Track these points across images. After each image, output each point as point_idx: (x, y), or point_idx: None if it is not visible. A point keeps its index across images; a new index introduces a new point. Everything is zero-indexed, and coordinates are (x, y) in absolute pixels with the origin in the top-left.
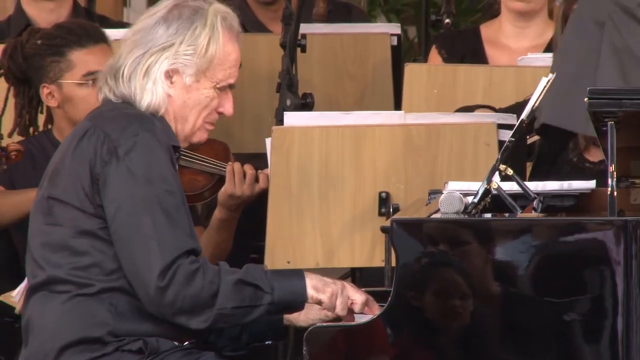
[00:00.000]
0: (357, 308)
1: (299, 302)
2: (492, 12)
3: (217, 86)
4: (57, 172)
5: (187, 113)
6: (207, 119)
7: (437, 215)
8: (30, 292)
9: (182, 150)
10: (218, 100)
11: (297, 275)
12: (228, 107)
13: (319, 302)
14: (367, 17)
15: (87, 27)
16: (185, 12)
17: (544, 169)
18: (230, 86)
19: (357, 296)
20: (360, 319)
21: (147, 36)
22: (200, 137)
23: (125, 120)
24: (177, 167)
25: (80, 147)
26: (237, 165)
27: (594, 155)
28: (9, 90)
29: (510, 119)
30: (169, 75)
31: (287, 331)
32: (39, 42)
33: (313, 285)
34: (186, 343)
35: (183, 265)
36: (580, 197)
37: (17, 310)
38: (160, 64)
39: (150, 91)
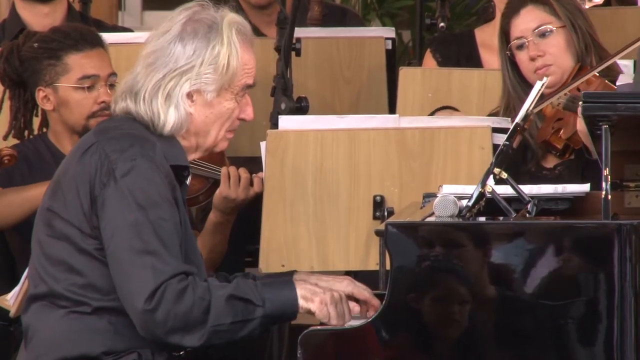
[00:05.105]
0: (374, 304)
1: (290, 312)
2: (487, 16)
3: (237, 94)
4: (59, 185)
5: (210, 127)
6: (229, 128)
7: (432, 219)
8: (31, 300)
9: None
10: (238, 109)
11: (288, 285)
12: (249, 112)
13: (310, 312)
14: (362, 21)
15: (84, 31)
16: (200, 29)
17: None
18: (250, 86)
19: (366, 293)
20: (353, 323)
21: (163, 57)
22: (222, 147)
23: (127, 142)
24: (181, 187)
25: (83, 162)
26: (232, 168)
27: (550, 162)
28: (4, 93)
29: (505, 122)
30: (191, 95)
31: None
32: (35, 45)
33: (302, 295)
34: (182, 352)
35: (171, 284)
36: (575, 201)
37: (11, 314)
38: (182, 87)
39: (174, 115)
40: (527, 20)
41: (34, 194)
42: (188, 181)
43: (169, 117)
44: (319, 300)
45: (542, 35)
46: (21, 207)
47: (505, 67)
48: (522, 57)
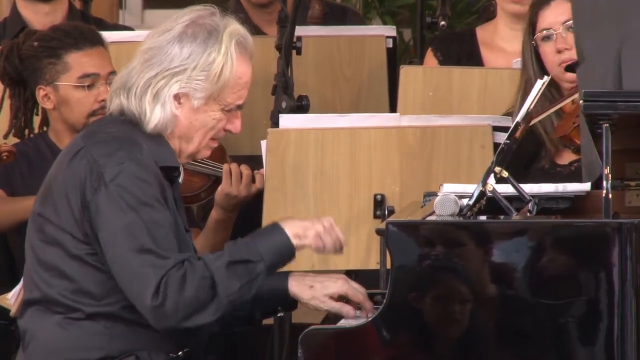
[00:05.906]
0: (367, 307)
1: (288, 254)
2: (488, 14)
3: (226, 109)
4: (49, 190)
5: (193, 134)
6: (213, 136)
7: (433, 218)
8: (26, 305)
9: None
10: (225, 120)
11: (276, 230)
12: (237, 125)
13: (305, 247)
14: (363, 20)
15: (84, 29)
16: (200, 34)
17: (516, 177)
18: (239, 107)
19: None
20: (353, 322)
21: (159, 56)
22: (204, 154)
23: (115, 145)
24: (173, 187)
25: (72, 167)
26: (233, 165)
27: (565, 159)
28: (4, 91)
29: (505, 121)
30: (178, 97)
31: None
32: (35, 43)
33: (295, 234)
34: (180, 353)
35: (171, 275)
36: (576, 200)
37: (12, 313)
38: (170, 87)
39: (159, 113)
40: (557, 13)
41: (27, 205)
42: (180, 179)
43: (154, 115)
44: (313, 234)
45: (571, 28)
46: (12, 217)
47: (530, 59)
48: (547, 49)
